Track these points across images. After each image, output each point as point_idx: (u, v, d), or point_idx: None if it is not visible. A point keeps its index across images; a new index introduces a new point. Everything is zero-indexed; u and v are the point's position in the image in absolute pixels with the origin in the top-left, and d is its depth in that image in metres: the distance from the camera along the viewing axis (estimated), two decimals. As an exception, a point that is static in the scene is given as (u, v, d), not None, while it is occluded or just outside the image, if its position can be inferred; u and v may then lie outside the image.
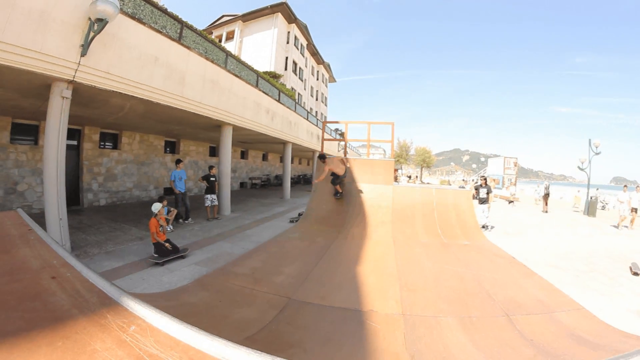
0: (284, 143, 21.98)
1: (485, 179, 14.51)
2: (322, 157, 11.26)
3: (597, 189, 25.05)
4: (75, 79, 7.71)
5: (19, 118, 12.20)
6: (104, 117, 12.83)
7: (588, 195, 20.04)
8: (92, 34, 7.55)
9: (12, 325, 1.15)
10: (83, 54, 7.63)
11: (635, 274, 7.58)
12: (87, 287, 1.43)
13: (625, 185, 16.47)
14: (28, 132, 12.66)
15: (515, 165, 41.14)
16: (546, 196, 21.31)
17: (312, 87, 47.94)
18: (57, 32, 7.18)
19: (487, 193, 13.45)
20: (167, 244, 7.59)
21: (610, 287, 6.53)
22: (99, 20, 7.39)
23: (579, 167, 21.39)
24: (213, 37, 33.39)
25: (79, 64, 7.65)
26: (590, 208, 19.41)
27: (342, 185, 11.13)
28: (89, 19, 7.55)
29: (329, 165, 10.80)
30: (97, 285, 1.42)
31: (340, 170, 10.76)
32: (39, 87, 8.08)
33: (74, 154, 13.99)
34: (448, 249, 8.85)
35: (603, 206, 23.83)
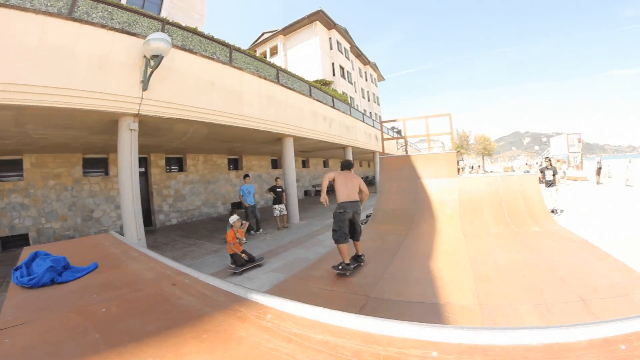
0: (343, 148, 22.15)
1: (550, 160, 14.09)
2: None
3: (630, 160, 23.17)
4: (140, 112, 8.35)
5: (89, 153, 13.42)
6: (169, 143, 13.63)
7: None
8: (149, 70, 8.16)
9: (152, 325, 1.31)
10: (144, 89, 8.28)
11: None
12: (210, 290, 1.59)
13: None
14: (98, 164, 13.93)
15: (579, 142, 39.54)
16: (599, 170, 23.66)
17: (362, 89, 47.87)
18: (117, 73, 7.90)
19: (554, 175, 13.05)
20: (243, 254, 7.88)
21: None
22: (155, 56, 8.00)
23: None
24: (258, 54, 34.28)
25: (142, 98, 8.31)
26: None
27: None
28: (144, 56, 8.19)
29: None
30: (221, 287, 1.58)
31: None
32: (107, 123, 8.82)
33: (142, 180, 14.88)
34: (518, 237, 8.68)
35: None
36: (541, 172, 13.55)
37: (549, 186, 12.89)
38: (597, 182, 23.41)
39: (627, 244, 7.57)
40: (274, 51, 40.17)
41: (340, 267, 6.38)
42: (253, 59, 12.69)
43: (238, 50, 11.89)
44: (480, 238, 8.65)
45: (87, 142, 11.38)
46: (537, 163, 39.92)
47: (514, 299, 5.00)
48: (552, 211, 11.92)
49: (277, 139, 14.72)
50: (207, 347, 1.06)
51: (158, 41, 7.82)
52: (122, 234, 8.02)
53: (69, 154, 12.85)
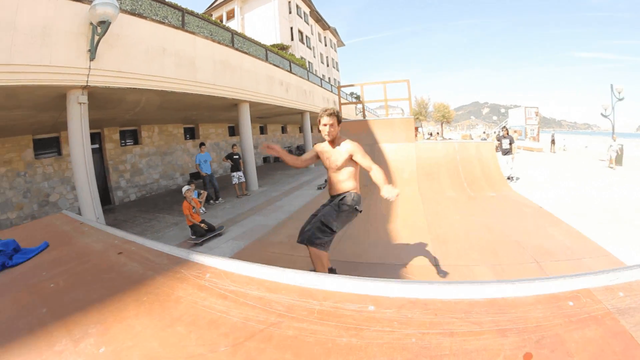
0: (301, 113, 22.02)
1: (507, 130, 14.39)
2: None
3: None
4: (88, 84, 7.89)
5: (39, 133, 12.50)
6: (122, 115, 13.07)
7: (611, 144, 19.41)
8: (96, 37, 7.70)
9: (95, 294, 1.29)
10: (92, 59, 7.79)
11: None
12: (154, 254, 1.58)
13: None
14: (50, 145, 12.98)
15: (536, 115, 40.55)
16: (552, 142, 26.77)
17: (321, 54, 47.21)
18: (62, 43, 7.35)
19: (510, 144, 13.34)
20: (202, 224, 7.80)
21: (636, 234, 6.45)
22: (102, 22, 7.53)
23: (602, 114, 20.84)
24: (214, 18, 33.26)
25: (89, 68, 7.83)
26: (617, 157, 18.81)
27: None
28: (91, 23, 7.67)
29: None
30: (164, 251, 1.57)
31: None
32: (55, 98, 8.28)
33: (97, 157, 14.14)
34: (475, 201, 8.90)
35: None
36: (498, 140, 13.83)
37: (505, 154, 13.19)
38: (551, 151, 25.50)
39: (579, 212, 7.84)
40: (230, 15, 38.94)
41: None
42: (207, 22, 12.30)
43: (191, 13, 11.45)
44: (438, 202, 8.82)
45: (37, 122, 10.72)
46: (494, 132, 40.78)
47: (471, 260, 5.14)
48: (508, 178, 12.27)
49: (233, 105, 14.45)
50: (146, 309, 1.07)
51: (105, 6, 7.35)
52: (80, 215, 7.80)
53: (18, 136, 11.88)
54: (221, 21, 36.20)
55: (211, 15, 37.99)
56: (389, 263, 5.15)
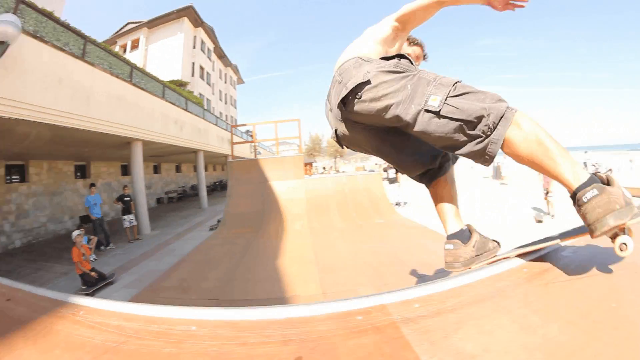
0: (195, 152, 21.67)
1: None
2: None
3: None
4: None
5: None
6: (8, 148, 12.07)
7: (495, 162, 22.21)
8: None
9: None
10: None
11: (539, 221, 9.33)
12: (40, 299, 1.78)
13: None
14: None
15: (426, 144, 43.45)
16: None
17: (220, 91, 47.32)
18: None
19: (396, 172, 14.35)
20: (93, 273, 7.55)
21: (518, 236, 7.33)
22: (0, 43, 6.92)
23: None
24: (117, 46, 32.21)
25: None
26: (497, 173, 23.24)
27: None
28: None
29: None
30: (47, 295, 1.78)
31: None
32: None
33: None
34: (363, 229, 9.53)
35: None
36: (384, 170, 14.84)
37: (392, 183, 14.15)
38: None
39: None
40: (135, 44, 37.29)
41: None
42: (108, 53, 11.98)
43: (93, 42, 11.06)
44: (327, 233, 9.34)
45: None
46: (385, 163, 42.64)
47: (357, 284, 5.64)
48: (397, 204, 13.20)
49: (126, 143, 13.99)
50: (32, 341, 1.27)
51: (5, 24, 6.76)
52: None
53: None
54: (125, 50, 35.20)
55: (116, 42, 36.59)
56: (276, 297, 5.47)
